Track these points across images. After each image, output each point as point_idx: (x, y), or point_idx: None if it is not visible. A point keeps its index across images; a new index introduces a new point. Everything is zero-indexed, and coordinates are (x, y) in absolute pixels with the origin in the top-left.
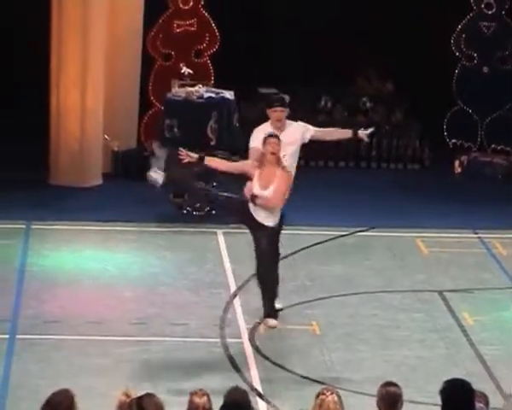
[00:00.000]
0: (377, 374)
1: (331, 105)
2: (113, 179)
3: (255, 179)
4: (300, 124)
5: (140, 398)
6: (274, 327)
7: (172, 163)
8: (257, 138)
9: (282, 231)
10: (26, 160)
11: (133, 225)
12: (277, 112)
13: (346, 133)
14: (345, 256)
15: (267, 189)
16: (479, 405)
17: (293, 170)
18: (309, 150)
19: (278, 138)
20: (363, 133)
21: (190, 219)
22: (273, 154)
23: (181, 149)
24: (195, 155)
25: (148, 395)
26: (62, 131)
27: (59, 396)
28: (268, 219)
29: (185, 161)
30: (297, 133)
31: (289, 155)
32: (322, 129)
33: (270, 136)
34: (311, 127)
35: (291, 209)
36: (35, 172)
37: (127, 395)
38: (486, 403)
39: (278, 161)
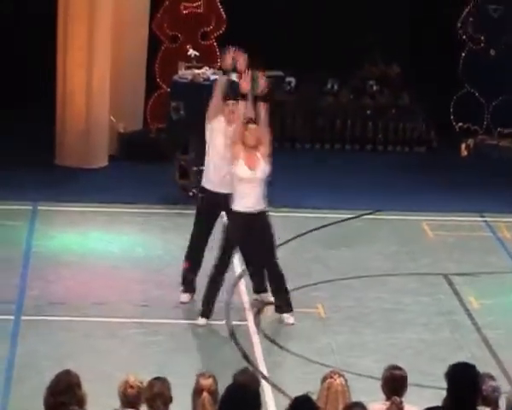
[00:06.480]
0: (382, 357)
1: (337, 88)
2: (118, 161)
3: None
4: None
5: (151, 382)
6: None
7: None
8: None
9: (289, 214)
10: (33, 141)
11: (138, 207)
12: None
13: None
14: (350, 240)
15: None
16: (494, 383)
17: None
18: (316, 132)
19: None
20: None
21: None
22: None
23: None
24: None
25: (158, 378)
26: (68, 113)
27: (64, 377)
28: None
29: (246, 88)
30: None
31: None
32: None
33: None
34: None
35: (297, 192)
36: (41, 153)
37: (132, 382)
38: None
39: None
